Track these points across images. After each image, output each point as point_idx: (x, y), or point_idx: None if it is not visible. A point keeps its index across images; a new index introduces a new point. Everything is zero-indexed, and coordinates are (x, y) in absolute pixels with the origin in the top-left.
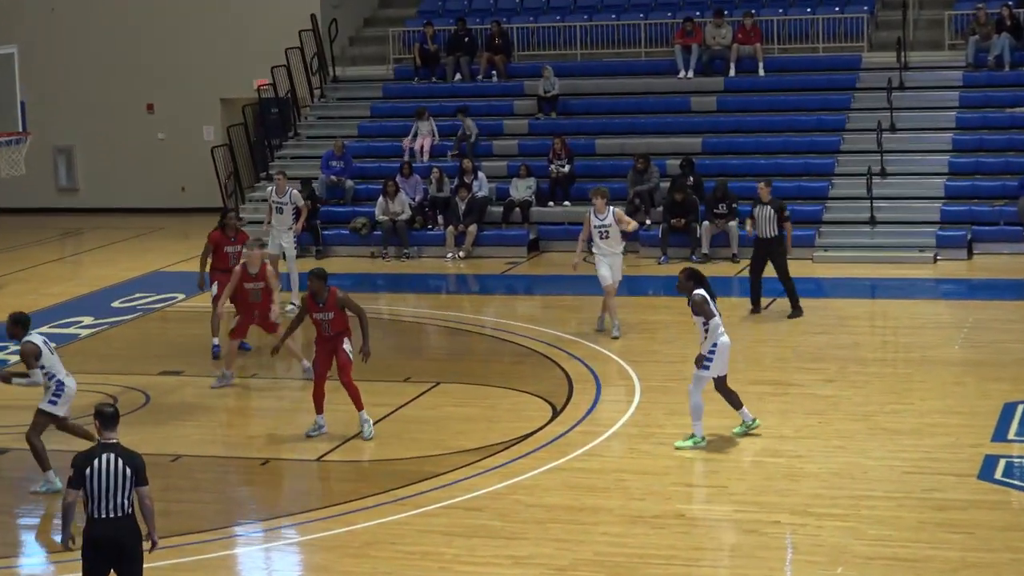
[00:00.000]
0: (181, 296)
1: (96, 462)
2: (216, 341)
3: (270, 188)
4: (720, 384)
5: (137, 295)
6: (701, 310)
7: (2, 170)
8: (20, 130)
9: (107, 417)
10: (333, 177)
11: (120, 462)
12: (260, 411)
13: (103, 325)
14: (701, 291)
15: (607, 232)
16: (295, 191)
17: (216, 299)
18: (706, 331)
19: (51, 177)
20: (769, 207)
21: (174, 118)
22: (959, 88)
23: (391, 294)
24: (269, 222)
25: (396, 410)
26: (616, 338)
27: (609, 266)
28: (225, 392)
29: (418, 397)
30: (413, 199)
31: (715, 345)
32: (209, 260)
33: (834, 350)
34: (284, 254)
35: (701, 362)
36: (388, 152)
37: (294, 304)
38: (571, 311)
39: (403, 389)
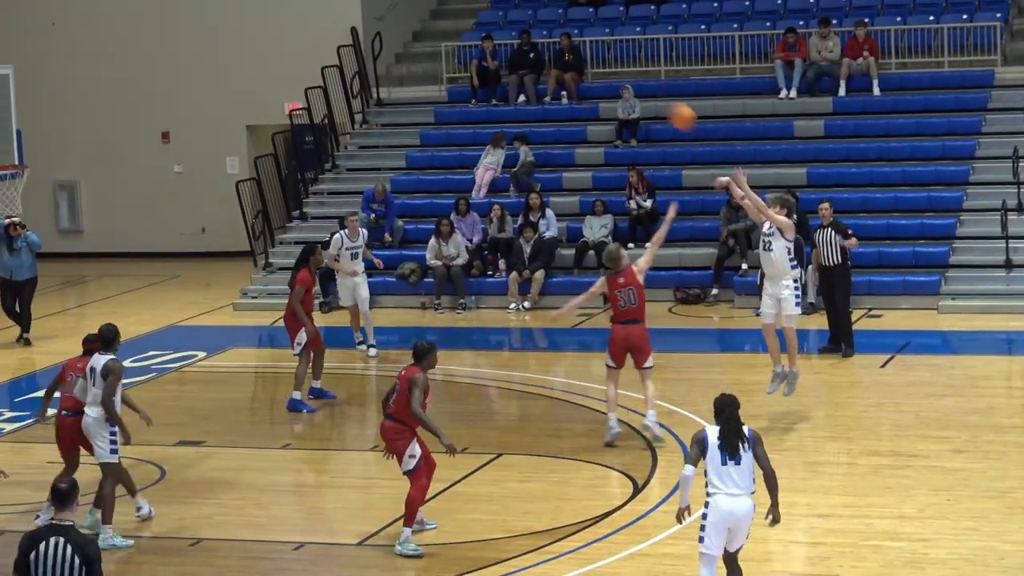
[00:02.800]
0: (201, 354)
1: (43, 546)
2: (297, 395)
3: (338, 234)
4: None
5: (150, 353)
6: (688, 450)
7: None
8: (16, 163)
9: (61, 495)
10: (374, 216)
11: (69, 549)
12: (294, 487)
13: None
14: (707, 430)
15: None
16: (364, 230)
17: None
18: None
19: (51, 217)
20: (831, 230)
21: (193, 148)
22: None
23: (445, 351)
24: (351, 272)
25: (451, 486)
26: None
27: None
28: (251, 466)
29: (477, 471)
30: (470, 241)
31: (705, 508)
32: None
33: (964, 415)
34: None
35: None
36: (440, 186)
37: (372, 347)
38: (655, 370)
39: (459, 461)
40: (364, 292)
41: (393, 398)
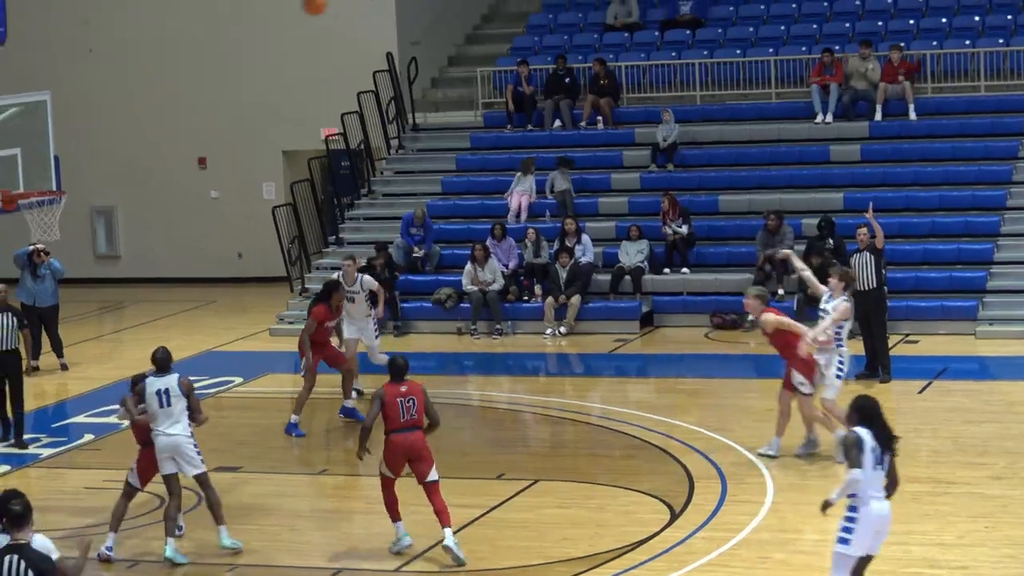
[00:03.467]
0: (238, 380)
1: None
2: (295, 419)
3: (337, 274)
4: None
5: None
6: (847, 455)
7: (34, 235)
8: (54, 189)
9: (14, 516)
10: (413, 244)
11: (23, 565)
12: (331, 513)
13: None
14: (860, 432)
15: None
16: (367, 276)
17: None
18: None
19: (88, 242)
20: (868, 254)
21: (229, 174)
22: None
23: (481, 376)
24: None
25: (488, 512)
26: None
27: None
28: (288, 492)
29: (514, 497)
30: (506, 266)
31: (854, 512)
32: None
33: (1002, 441)
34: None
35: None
36: (476, 211)
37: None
38: (692, 396)
39: (496, 487)
40: (372, 339)
41: (414, 411)
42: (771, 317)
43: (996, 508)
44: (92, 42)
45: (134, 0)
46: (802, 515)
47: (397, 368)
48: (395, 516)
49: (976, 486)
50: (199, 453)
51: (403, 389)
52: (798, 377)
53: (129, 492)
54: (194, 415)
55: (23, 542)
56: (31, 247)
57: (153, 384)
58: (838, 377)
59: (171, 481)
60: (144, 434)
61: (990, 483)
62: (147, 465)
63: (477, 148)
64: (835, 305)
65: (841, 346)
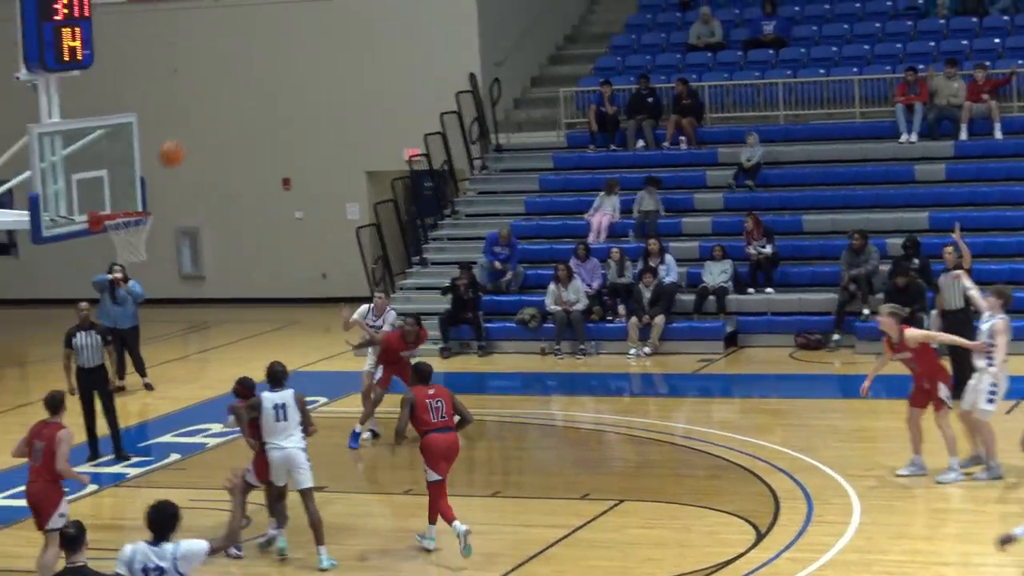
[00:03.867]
0: (322, 400)
1: None
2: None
3: (365, 307)
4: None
5: None
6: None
7: (120, 256)
8: (140, 210)
9: (69, 539)
10: (497, 263)
11: None
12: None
13: (234, 433)
14: None
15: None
16: (393, 313)
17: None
18: None
19: (174, 263)
20: (956, 273)
21: (314, 195)
22: None
23: (565, 396)
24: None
25: (573, 532)
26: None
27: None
28: (373, 511)
29: (598, 517)
30: (590, 286)
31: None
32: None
33: None
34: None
35: None
36: (560, 232)
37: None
38: (776, 417)
39: (580, 508)
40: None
41: (443, 412)
42: (916, 332)
43: None
44: (178, 63)
45: (219, 22)
46: (888, 536)
47: (421, 373)
48: (434, 519)
49: None
50: (310, 467)
51: (431, 392)
52: (944, 391)
53: (245, 489)
54: (306, 427)
55: (80, 564)
56: (110, 275)
57: (270, 399)
58: (990, 400)
59: (275, 489)
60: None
61: None
62: (264, 465)
63: (560, 168)
64: (992, 324)
65: (992, 366)
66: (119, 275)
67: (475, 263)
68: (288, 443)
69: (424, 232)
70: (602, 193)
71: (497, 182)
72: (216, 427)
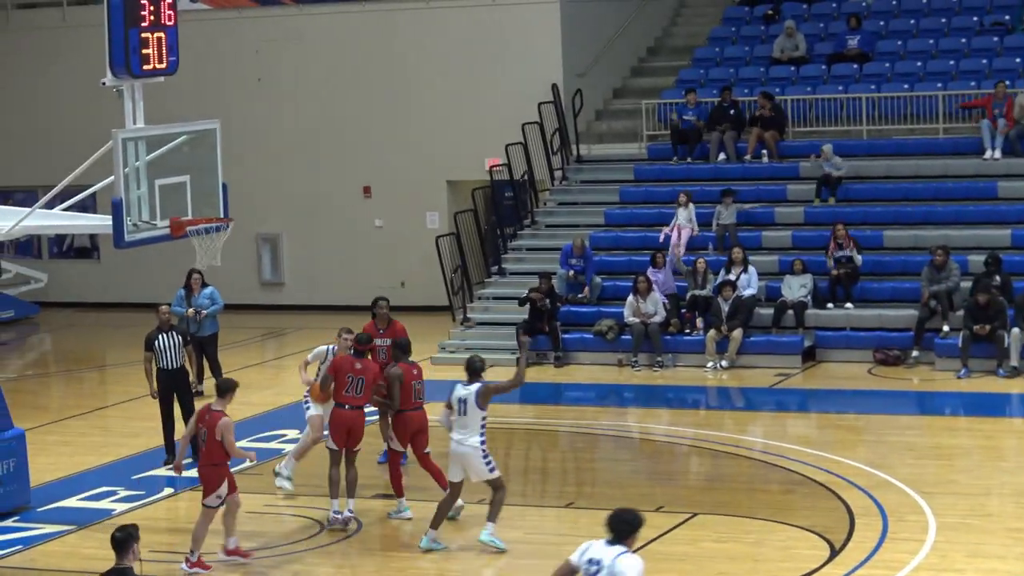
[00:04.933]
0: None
1: None
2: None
3: (325, 348)
4: None
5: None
6: None
7: (200, 261)
8: (221, 216)
9: (117, 543)
10: (572, 272)
11: None
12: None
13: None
14: None
15: None
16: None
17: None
18: None
19: (254, 269)
20: None
21: (394, 203)
22: None
23: (641, 409)
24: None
25: (647, 544)
26: None
27: None
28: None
29: (672, 530)
30: (666, 299)
31: None
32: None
33: None
34: None
35: None
36: (639, 244)
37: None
38: (853, 432)
39: (655, 520)
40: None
41: (422, 392)
42: None
43: None
44: (262, 72)
45: (303, 30)
46: (963, 554)
47: (406, 348)
48: (401, 492)
49: None
50: (488, 463)
51: (415, 372)
52: None
53: (335, 457)
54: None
55: (127, 566)
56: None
57: (458, 391)
58: None
59: (453, 485)
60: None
61: None
62: (338, 425)
63: (641, 180)
64: None
65: None
66: (192, 311)
67: (554, 273)
68: (468, 441)
69: (503, 242)
70: (678, 207)
71: (577, 193)
72: (292, 432)
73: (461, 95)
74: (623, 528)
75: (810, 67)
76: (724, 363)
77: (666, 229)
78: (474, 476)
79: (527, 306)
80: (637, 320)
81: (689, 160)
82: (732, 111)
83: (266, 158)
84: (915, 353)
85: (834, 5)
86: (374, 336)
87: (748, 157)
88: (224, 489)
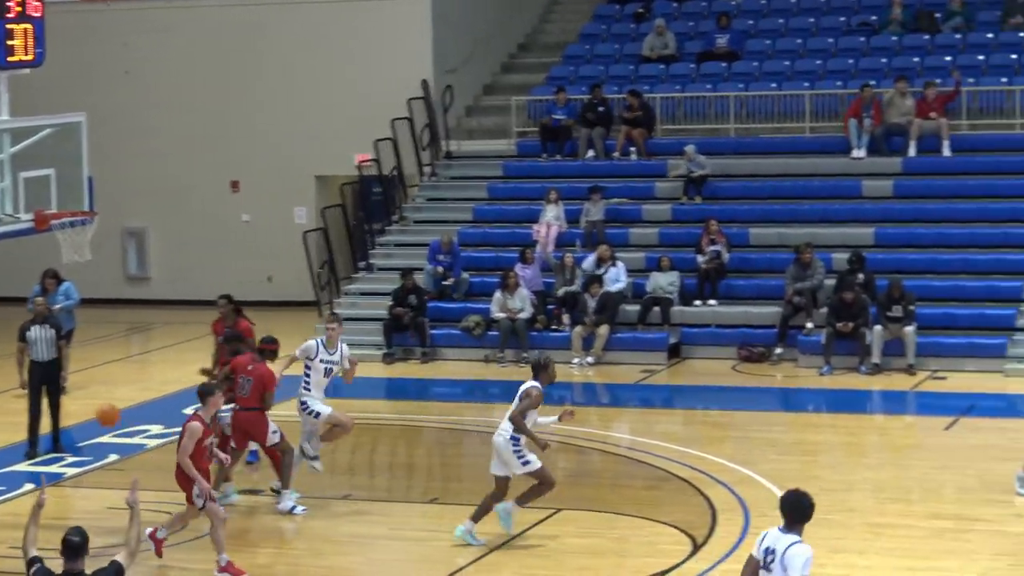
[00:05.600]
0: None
1: None
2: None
3: (313, 342)
4: None
5: None
6: None
7: (65, 255)
8: (86, 209)
9: (73, 547)
10: (440, 268)
11: None
12: (353, 538)
13: (173, 435)
14: None
15: None
16: (346, 345)
17: None
18: None
19: (119, 264)
20: None
21: (261, 198)
22: None
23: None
24: (308, 387)
25: (509, 540)
26: None
27: None
28: (310, 516)
29: (535, 526)
30: (533, 296)
31: None
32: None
33: None
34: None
35: None
36: (507, 240)
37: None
38: (717, 428)
39: (519, 515)
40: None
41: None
42: None
43: (1019, 546)
44: (130, 65)
45: (172, 23)
46: (824, 549)
47: (231, 339)
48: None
49: (1000, 524)
50: (520, 456)
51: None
52: None
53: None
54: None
55: (79, 570)
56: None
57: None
58: None
59: (498, 480)
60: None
61: (1015, 521)
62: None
63: (510, 176)
64: None
65: None
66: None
67: (420, 270)
68: (501, 431)
69: (371, 237)
70: (546, 203)
71: (446, 189)
72: (156, 428)
73: (330, 90)
74: (795, 513)
75: (679, 65)
76: (590, 359)
77: (535, 226)
78: (508, 469)
79: (395, 303)
80: (504, 316)
81: (558, 157)
82: (601, 108)
83: (133, 151)
84: (779, 350)
85: (704, 4)
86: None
87: (617, 154)
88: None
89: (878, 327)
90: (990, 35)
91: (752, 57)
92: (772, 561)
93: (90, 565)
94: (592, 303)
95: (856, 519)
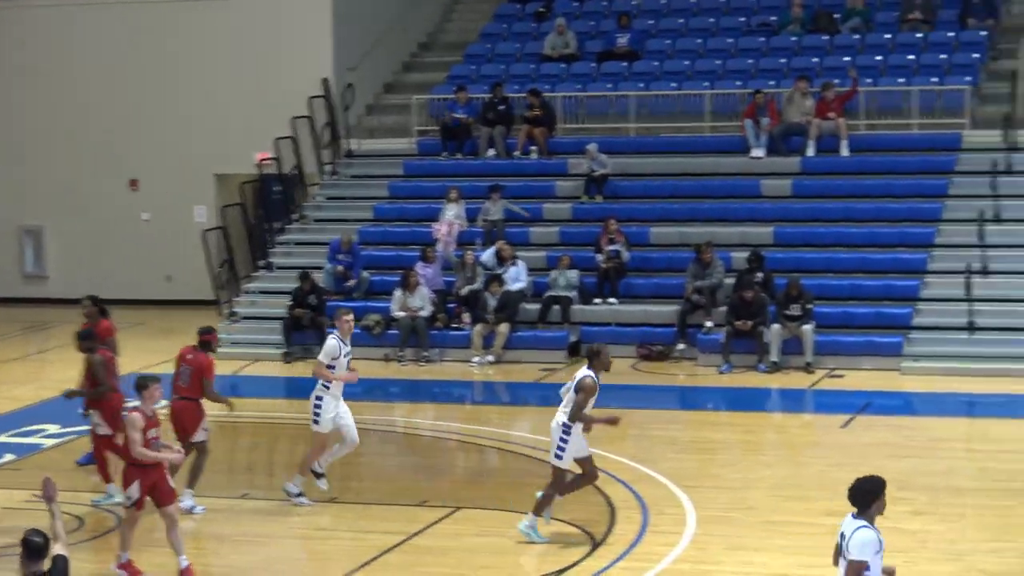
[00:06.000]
0: (164, 403)
1: None
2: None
3: (333, 339)
4: None
5: None
6: None
7: None
8: None
9: (31, 549)
10: (340, 268)
11: None
12: (253, 537)
13: (70, 435)
14: None
15: None
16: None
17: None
18: None
19: (16, 262)
20: None
21: (161, 196)
22: None
23: (407, 404)
24: (328, 385)
25: (408, 539)
26: None
27: None
28: (209, 515)
29: (435, 524)
30: (434, 294)
31: None
32: None
33: (923, 477)
34: None
35: None
36: (408, 239)
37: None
38: (616, 427)
39: (417, 514)
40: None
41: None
42: None
43: (915, 543)
44: (27, 62)
45: (70, 22)
46: (722, 547)
47: (83, 336)
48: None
49: (895, 521)
50: (561, 448)
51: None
52: None
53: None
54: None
55: (40, 572)
56: None
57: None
58: None
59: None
60: None
61: (910, 518)
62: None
63: (411, 175)
64: None
65: None
66: None
67: (319, 269)
68: (555, 420)
69: (271, 236)
70: (446, 202)
71: (347, 187)
72: (52, 427)
73: (230, 88)
74: (861, 498)
75: (580, 65)
76: (490, 358)
77: (436, 225)
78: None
79: (295, 303)
80: (404, 315)
81: (459, 156)
82: (502, 107)
83: (31, 150)
84: (679, 347)
85: (605, 3)
86: None
87: (517, 153)
88: (134, 491)
89: (776, 326)
90: (888, 36)
91: (653, 57)
92: (843, 544)
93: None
94: (492, 302)
95: (754, 517)
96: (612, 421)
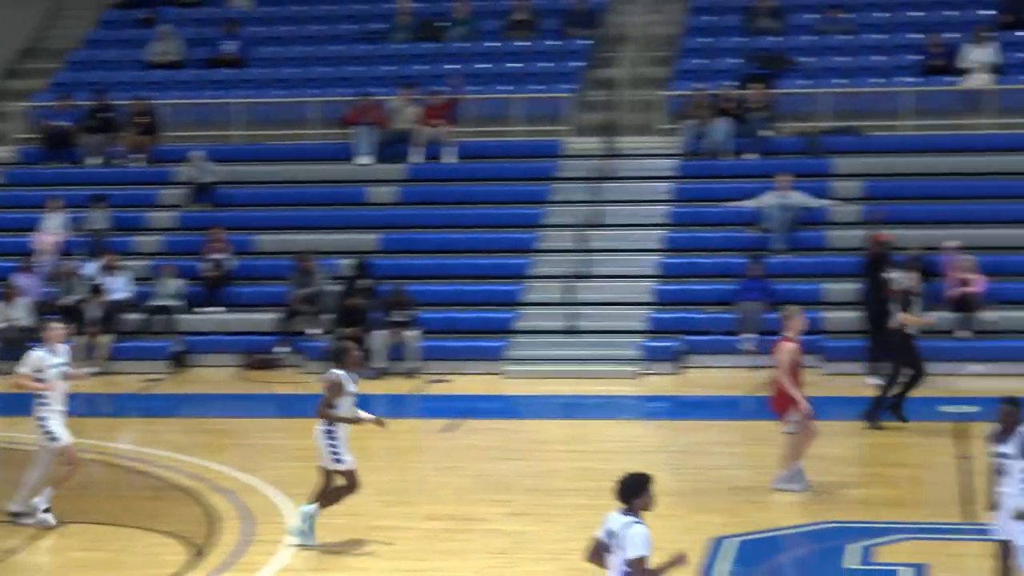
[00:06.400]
0: None
1: None
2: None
3: (39, 352)
4: None
5: None
6: None
7: None
8: None
9: None
10: None
11: None
12: None
13: None
14: None
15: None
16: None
17: None
18: None
19: None
20: None
21: None
22: (673, 179)
23: (5, 418)
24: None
25: (11, 556)
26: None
27: None
28: None
29: (37, 540)
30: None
31: None
32: None
33: (523, 479)
34: None
35: None
36: (8, 249)
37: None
38: (221, 436)
39: (19, 530)
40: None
41: None
42: None
43: (515, 544)
44: None
45: None
46: (322, 553)
47: None
48: None
49: (496, 523)
50: (335, 451)
51: None
52: None
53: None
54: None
55: None
56: None
57: None
58: None
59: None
60: None
61: (510, 519)
62: None
63: (11, 184)
64: None
65: None
66: None
67: None
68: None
69: None
70: (48, 212)
71: None
72: None
73: None
74: (626, 492)
75: (188, 72)
76: (93, 369)
77: (37, 235)
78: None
79: None
80: (5, 326)
81: (63, 164)
82: (106, 115)
83: None
84: (284, 351)
85: (212, 10)
86: None
87: (121, 161)
88: None
89: (381, 332)
90: (496, 44)
91: (262, 64)
92: (615, 542)
93: None
94: (95, 312)
95: (358, 522)
96: (379, 422)
